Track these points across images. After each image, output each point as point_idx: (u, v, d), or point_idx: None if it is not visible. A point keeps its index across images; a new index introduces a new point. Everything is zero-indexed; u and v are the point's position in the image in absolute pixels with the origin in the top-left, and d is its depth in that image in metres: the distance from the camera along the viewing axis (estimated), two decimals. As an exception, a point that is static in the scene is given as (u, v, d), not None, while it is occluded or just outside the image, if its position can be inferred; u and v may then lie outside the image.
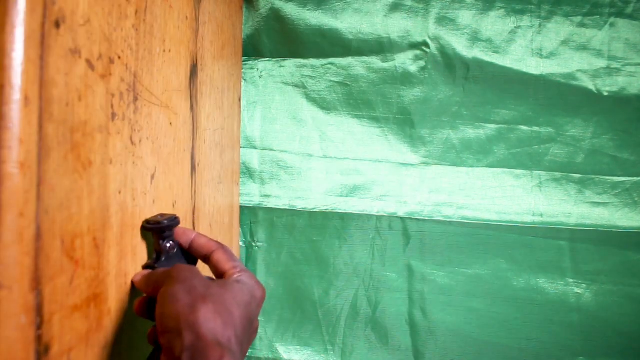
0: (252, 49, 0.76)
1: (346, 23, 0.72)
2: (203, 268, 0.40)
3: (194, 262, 0.42)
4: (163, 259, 0.39)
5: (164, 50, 0.43)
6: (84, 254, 0.30)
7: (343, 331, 0.74)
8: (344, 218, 0.75)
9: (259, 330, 0.76)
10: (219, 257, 0.38)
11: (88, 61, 0.30)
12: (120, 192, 0.35)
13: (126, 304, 0.37)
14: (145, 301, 0.37)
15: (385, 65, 0.73)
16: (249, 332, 0.34)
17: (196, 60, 0.52)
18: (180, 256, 0.41)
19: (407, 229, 0.74)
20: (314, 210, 0.75)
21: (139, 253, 0.39)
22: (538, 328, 0.71)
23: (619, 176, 0.71)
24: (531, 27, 0.71)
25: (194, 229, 0.52)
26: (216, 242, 0.40)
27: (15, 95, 0.24)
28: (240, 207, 0.76)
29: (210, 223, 0.59)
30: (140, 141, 0.38)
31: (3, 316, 0.24)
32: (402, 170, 0.75)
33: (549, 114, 0.71)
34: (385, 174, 0.75)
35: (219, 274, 0.38)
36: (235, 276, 0.36)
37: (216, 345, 0.28)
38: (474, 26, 0.71)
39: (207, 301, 0.30)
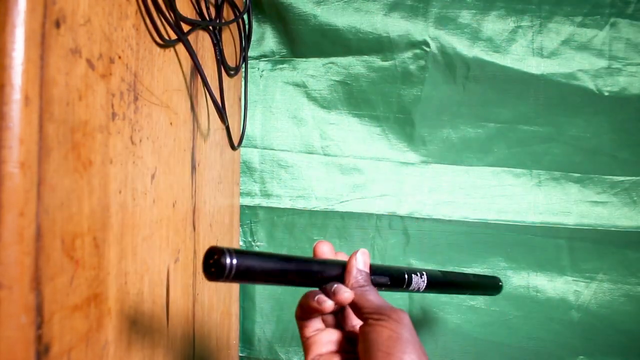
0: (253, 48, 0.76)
1: (346, 22, 0.72)
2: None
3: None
4: None
5: (165, 50, 0.43)
6: (84, 253, 0.30)
7: (343, 330, 0.74)
8: (345, 217, 0.75)
9: (257, 332, 0.76)
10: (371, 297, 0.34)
11: (88, 61, 0.30)
12: (120, 192, 0.35)
13: (126, 304, 0.37)
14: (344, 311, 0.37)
15: (386, 64, 0.73)
16: None
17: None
18: None
19: (407, 228, 0.74)
20: (315, 209, 0.75)
21: (139, 253, 0.39)
22: (538, 326, 0.71)
23: (618, 176, 0.71)
24: (532, 26, 0.70)
25: (194, 229, 0.52)
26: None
27: (16, 95, 0.24)
28: (241, 206, 0.76)
29: (211, 223, 0.59)
30: (140, 141, 0.38)
31: (3, 316, 0.24)
32: (402, 169, 0.74)
33: (549, 113, 0.71)
34: (385, 173, 0.75)
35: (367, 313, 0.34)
36: (404, 319, 0.32)
37: None
38: (474, 25, 0.71)
39: None
